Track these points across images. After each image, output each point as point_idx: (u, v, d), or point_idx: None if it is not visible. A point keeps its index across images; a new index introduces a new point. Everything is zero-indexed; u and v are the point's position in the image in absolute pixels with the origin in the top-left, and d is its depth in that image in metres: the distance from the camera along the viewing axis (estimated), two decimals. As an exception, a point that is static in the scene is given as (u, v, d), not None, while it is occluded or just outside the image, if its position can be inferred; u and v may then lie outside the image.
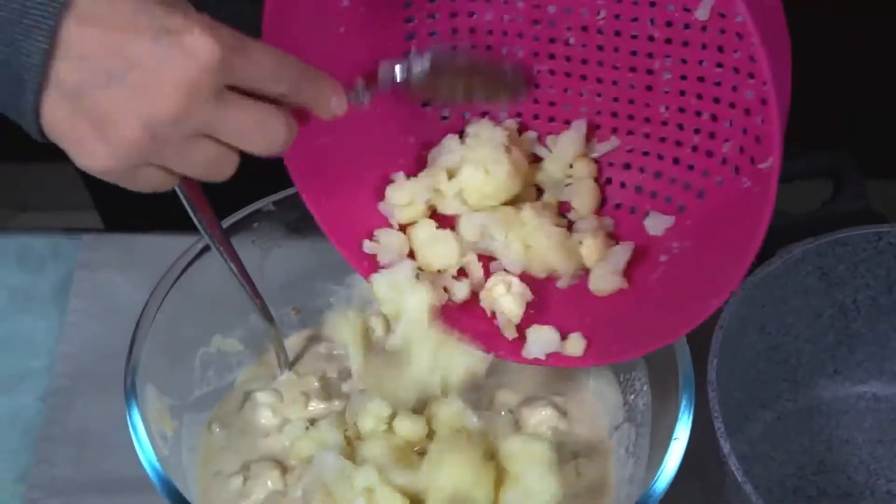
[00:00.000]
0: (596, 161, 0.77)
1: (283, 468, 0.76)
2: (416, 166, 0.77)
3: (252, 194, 0.81)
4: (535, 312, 0.74)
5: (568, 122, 0.77)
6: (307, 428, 0.77)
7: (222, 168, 0.63)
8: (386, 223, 0.76)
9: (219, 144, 0.62)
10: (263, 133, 0.62)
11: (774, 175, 0.62)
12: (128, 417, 0.69)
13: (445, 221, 0.77)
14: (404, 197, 0.75)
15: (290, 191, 0.81)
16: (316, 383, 0.80)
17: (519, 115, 0.78)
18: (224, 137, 0.61)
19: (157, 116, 0.58)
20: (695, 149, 0.72)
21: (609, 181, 0.77)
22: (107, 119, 0.58)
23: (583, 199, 0.76)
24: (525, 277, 0.75)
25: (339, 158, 0.75)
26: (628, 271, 0.73)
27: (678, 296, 0.70)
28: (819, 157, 0.89)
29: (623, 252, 0.73)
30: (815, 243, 0.80)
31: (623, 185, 0.76)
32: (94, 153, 0.59)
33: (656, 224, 0.73)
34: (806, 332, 0.84)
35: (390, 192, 0.76)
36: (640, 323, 0.71)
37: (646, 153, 0.75)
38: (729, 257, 0.65)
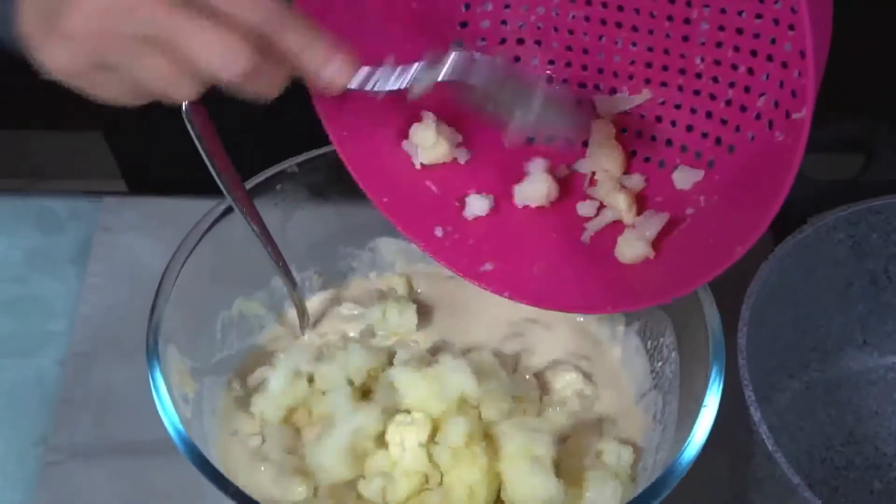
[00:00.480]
0: (627, 113, 0.76)
1: (301, 430, 0.76)
2: (444, 107, 0.75)
3: (275, 156, 0.80)
4: (559, 261, 0.74)
5: (601, 71, 0.76)
6: (324, 393, 0.76)
7: (176, 87, 0.61)
8: (408, 162, 0.75)
9: (172, 60, 0.60)
10: (221, 52, 0.59)
11: (806, 124, 0.60)
12: (150, 377, 0.68)
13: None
14: (430, 138, 0.74)
15: (313, 153, 0.80)
16: (338, 344, 0.79)
17: (551, 62, 0.77)
18: (179, 49, 0.59)
19: (113, 3, 0.57)
20: (729, 103, 0.71)
21: (639, 134, 0.76)
22: (62, 9, 0.58)
23: (610, 159, 0.75)
24: (543, 236, 0.75)
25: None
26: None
27: (701, 246, 0.69)
28: (853, 126, 0.87)
29: (657, 221, 0.72)
30: (848, 211, 0.79)
31: (653, 138, 0.75)
32: (49, 49, 0.60)
33: (685, 178, 0.72)
34: (836, 301, 0.83)
35: (415, 130, 0.74)
36: (660, 273, 0.70)
37: (678, 106, 0.74)
38: (755, 208, 0.63)
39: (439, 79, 0.67)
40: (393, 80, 0.67)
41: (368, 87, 0.66)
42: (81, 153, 1.46)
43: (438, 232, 0.75)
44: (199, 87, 0.62)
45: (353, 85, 0.65)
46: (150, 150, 1.04)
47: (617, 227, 0.74)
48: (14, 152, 1.93)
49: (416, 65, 0.67)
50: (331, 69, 0.63)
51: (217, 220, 0.76)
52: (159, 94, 0.62)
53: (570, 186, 0.76)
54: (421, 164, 0.75)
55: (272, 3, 0.61)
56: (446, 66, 0.67)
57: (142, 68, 0.60)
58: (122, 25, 0.58)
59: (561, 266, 0.74)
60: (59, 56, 0.60)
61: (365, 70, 0.66)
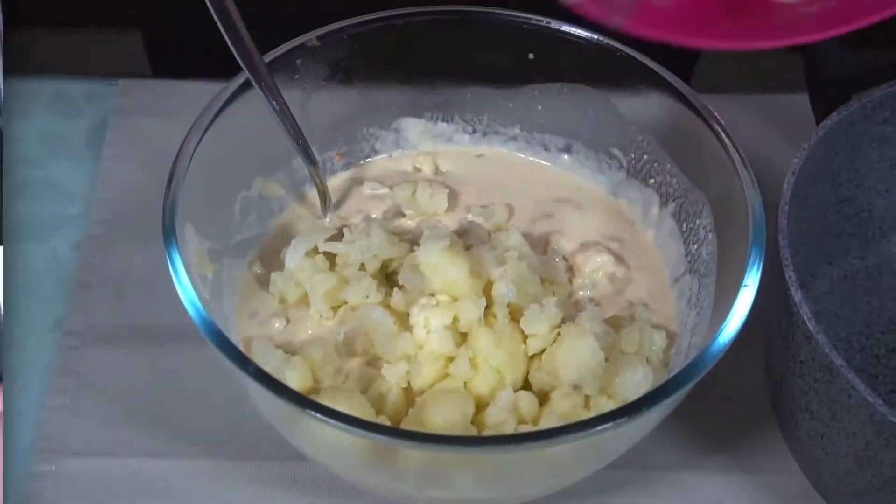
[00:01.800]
0: None
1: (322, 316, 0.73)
2: None
3: (295, 29, 0.76)
4: None
5: None
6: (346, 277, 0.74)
7: None
8: None
9: None
10: None
11: None
12: (167, 255, 0.65)
13: None
14: None
15: (334, 25, 0.77)
16: (360, 225, 0.76)
17: None
18: None
19: None
20: None
21: None
22: None
23: None
24: None
25: None
26: None
27: None
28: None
29: None
30: (896, 87, 0.76)
31: None
32: None
33: None
34: (880, 184, 0.80)
35: None
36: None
37: None
38: None
39: None
40: None
41: None
42: (118, 53, 1.42)
43: None
44: None
45: None
46: (184, 42, 1.01)
47: None
48: (46, 50, 1.90)
49: None
50: None
51: (234, 96, 0.73)
52: None
53: None
54: None
55: None
56: None
57: None
58: None
59: None
60: None
61: None
